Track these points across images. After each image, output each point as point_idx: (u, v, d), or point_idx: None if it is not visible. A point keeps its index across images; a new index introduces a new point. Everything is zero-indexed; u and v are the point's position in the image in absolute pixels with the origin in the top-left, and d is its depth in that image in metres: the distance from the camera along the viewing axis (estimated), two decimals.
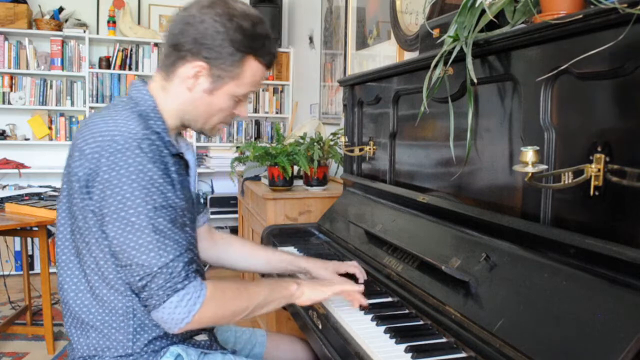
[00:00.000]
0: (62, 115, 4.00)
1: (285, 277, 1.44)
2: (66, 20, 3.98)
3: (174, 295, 0.97)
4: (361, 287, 1.22)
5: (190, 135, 4.20)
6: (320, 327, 1.21)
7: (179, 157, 1.13)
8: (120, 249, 0.97)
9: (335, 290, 1.19)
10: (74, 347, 1.09)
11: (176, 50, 1.06)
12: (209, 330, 1.25)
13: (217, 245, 1.43)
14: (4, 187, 3.85)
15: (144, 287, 0.97)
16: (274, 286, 1.16)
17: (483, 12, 1.01)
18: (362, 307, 1.20)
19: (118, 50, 4.07)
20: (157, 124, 1.07)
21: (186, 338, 1.16)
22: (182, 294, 0.97)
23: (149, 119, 1.06)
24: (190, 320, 0.98)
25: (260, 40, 1.07)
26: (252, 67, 1.08)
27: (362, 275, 1.39)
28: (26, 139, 3.97)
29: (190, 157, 1.20)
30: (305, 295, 1.16)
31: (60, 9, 3.98)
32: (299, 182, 2.54)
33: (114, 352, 1.06)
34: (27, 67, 3.87)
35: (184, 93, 1.09)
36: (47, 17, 3.92)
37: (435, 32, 1.36)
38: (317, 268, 1.39)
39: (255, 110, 4.41)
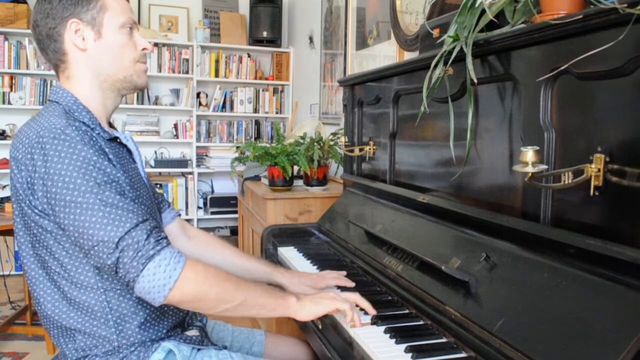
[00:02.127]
0: None
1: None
2: None
3: (150, 262, 0.95)
4: (365, 304, 1.14)
5: (191, 136, 4.21)
6: (320, 327, 1.21)
7: (117, 142, 1.14)
8: (79, 234, 0.96)
9: (336, 306, 1.11)
10: (65, 353, 1.10)
11: (51, 39, 1.11)
12: (201, 327, 1.25)
13: (191, 240, 1.40)
14: (4, 187, 3.84)
15: (116, 264, 0.95)
16: (270, 291, 1.12)
17: (483, 12, 1.01)
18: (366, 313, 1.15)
19: None
20: (82, 115, 1.09)
21: (177, 333, 1.16)
22: (157, 259, 0.95)
23: (73, 112, 1.08)
24: (173, 286, 0.95)
25: None
26: None
27: (348, 284, 1.35)
28: None
29: (131, 144, 1.20)
30: (306, 309, 1.10)
31: None
32: (299, 182, 2.54)
33: (102, 349, 1.07)
34: (27, 67, 3.87)
35: (83, 58, 1.12)
36: None
37: (435, 32, 1.36)
38: (294, 284, 1.34)
39: (255, 110, 4.41)
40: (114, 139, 1.13)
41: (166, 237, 1.01)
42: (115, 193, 0.98)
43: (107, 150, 1.06)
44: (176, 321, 1.18)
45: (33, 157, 0.99)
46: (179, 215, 1.42)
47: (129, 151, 1.19)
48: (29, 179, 1.01)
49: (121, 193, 0.99)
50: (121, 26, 1.13)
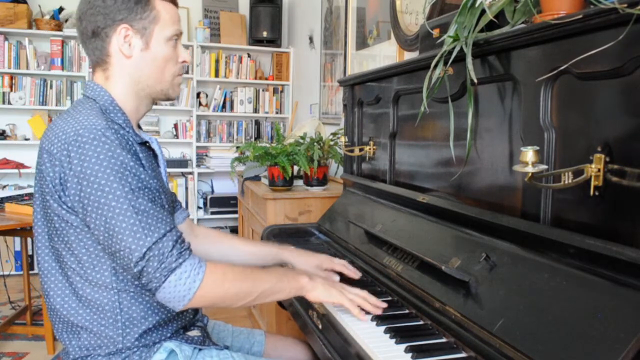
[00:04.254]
0: None
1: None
2: (66, 20, 3.98)
3: (171, 275, 0.98)
4: (373, 299, 1.17)
5: (191, 136, 4.21)
6: (320, 327, 1.21)
7: (146, 146, 1.16)
8: (107, 236, 0.98)
9: (347, 299, 1.14)
10: (68, 350, 1.10)
11: (97, 37, 1.10)
12: (202, 327, 1.26)
13: (198, 238, 1.43)
14: (4, 187, 3.85)
15: (141, 272, 0.97)
16: (283, 275, 1.15)
17: (483, 12, 1.01)
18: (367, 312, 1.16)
19: None
20: (118, 116, 1.10)
21: (179, 334, 1.16)
22: (178, 272, 0.98)
23: (109, 112, 1.09)
24: (192, 297, 0.99)
25: None
26: (162, 6, 1.13)
27: (353, 274, 1.37)
28: (26, 139, 3.97)
29: (156, 147, 1.22)
30: (317, 290, 1.15)
31: (60, 9, 3.98)
32: (299, 182, 2.54)
33: (105, 350, 1.07)
34: (27, 67, 3.87)
35: (126, 64, 1.12)
36: (47, 17, 3.92)
37: (435, 32, 1.36)
38: (300, 263, 1.38)
39: (255, 110, 4.41)
40: (143, 143, 1.15)
41: (189, 247, 1.03)
42: (147, 200, 1.00)
43: (140, 155, 1.08)
44: (181, 325, 1.18)
45: (69, 155, 0.99)
46: (189, 215, 1.44)
47: (155, 155, 1.20)
48: (62, 175, 1.01)
49: (152, 200, 1.01)
50: (168, 39, 1.13)
